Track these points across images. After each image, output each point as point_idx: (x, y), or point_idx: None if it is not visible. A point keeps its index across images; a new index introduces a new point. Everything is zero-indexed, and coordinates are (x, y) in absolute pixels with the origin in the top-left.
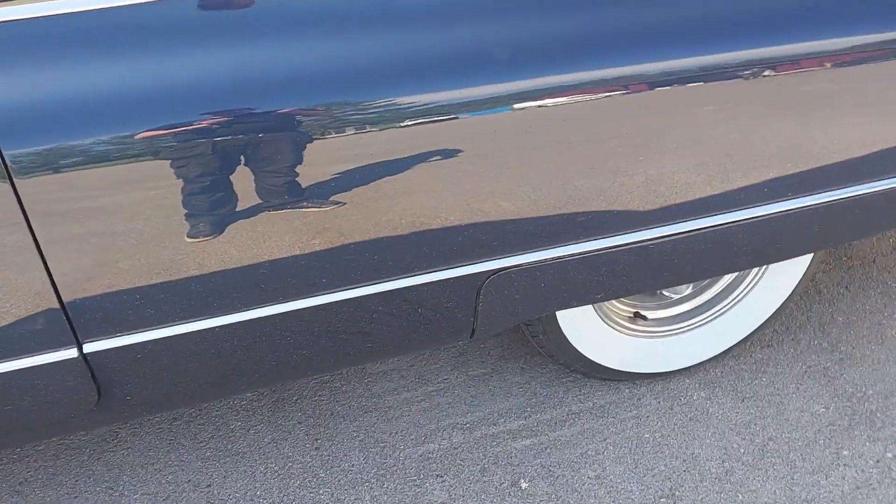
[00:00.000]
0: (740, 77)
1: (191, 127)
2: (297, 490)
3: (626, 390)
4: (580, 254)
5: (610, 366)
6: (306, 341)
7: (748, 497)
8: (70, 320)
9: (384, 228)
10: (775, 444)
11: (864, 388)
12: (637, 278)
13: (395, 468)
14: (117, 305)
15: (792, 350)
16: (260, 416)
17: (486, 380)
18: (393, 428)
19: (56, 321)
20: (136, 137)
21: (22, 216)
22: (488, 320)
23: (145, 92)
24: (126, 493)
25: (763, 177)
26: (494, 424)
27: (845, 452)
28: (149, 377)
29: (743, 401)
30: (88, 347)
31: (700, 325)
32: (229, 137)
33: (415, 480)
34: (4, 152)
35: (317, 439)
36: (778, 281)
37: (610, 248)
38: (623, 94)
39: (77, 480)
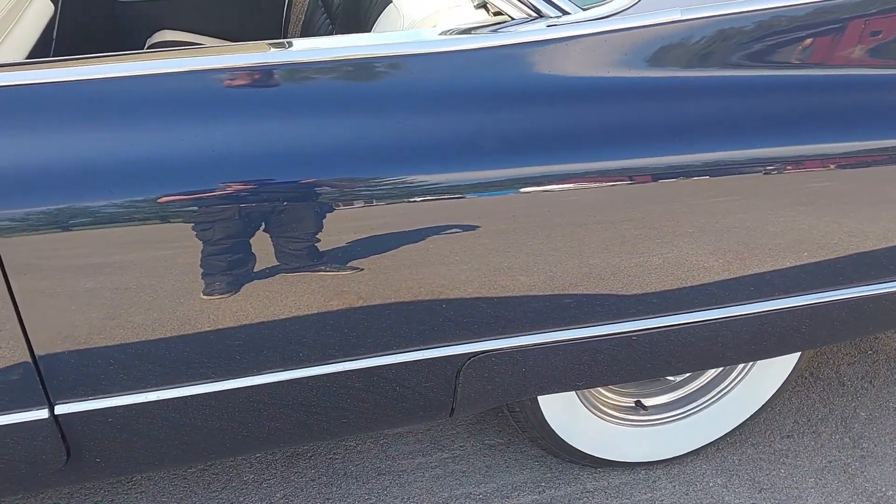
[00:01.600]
0: (748, 173)
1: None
2: None
3: (642, 471)
4: (561, 341)
5: (613, 458)
6: (280, 414)
7: None
8: (43, 381)
9: (363, 307)
10: None
11: (884, 488)
12: (620, 368)
13: None
14: (91, 368)
15: (812, 443)
16: (273, 470)
17: (503, 450)
18: (405, 493)
19: (29, 381)
20: (139, 201)
21: (1, 275)
22: (467, 401)
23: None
24: None
25: (759, 271)
26: (508, 497)
27: None
28: (119, 441)
29: (760, 491)
30: (60, 409)
31: (700, 410)
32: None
33: None
34: None
35: (328, 499)
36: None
37: (590, 337)
38: (628, 184)
39: None
